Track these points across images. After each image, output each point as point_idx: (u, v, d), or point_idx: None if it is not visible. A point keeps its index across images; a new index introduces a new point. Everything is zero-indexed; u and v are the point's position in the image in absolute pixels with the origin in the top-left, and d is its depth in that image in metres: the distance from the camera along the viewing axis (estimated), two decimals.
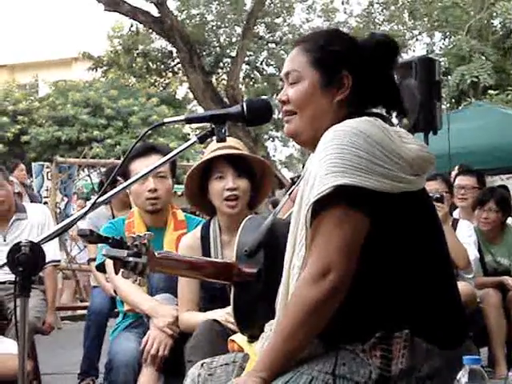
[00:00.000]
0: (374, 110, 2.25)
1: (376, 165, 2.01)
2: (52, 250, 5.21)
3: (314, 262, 2.02)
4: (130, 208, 4.61)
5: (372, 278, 2.06)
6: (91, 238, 2.23)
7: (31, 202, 8.68)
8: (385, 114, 2.27)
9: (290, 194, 2.57)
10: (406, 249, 2.09)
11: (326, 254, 2.00)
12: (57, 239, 5.58)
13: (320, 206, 2.02)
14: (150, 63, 22.26)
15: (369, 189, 1.99)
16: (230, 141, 3.41)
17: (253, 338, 2.46)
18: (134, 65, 22.22)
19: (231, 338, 2.63)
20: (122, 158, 2.49)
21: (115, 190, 2.33)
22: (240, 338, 2.55)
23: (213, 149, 3.46)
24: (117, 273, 2.27)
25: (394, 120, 2.37)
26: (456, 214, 6.29)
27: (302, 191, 2.15)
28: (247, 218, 2.62)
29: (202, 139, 2.31)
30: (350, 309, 2.03)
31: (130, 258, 2.24)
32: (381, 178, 2.00)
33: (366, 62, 2.25)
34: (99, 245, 3.72)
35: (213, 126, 2.28)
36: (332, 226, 2.01)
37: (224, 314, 3.19)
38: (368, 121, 2.09)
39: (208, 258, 3.13)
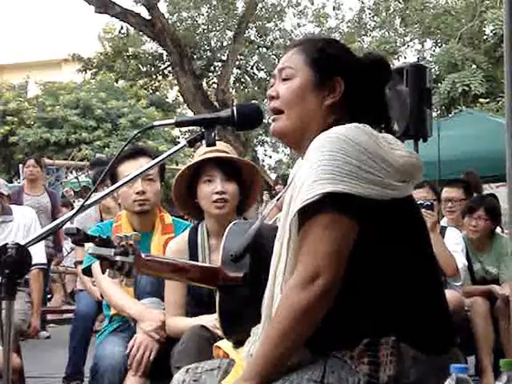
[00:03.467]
0: None
1: (365, 171, 2.00)
2: (38, 253, 5.19)
3: (302, 268, 2.01)
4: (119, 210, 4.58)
5: (359, 284, 2.06)
6: (78, 236, 2.20)
7: None
8: None
9: (277, 200, 2.56)
10: (393, 255, 2.09)
11: (315, 260, 1.99)
12: (43, 242, 5.55)
13: (308, 212, 2.01)
14: (141, 66, 22.26)
15: (357, 195, 1.98)
16: (220, 145, 3.40)
17: (238, 344, 2.44)
18: (124, 67, 22.19)
19: (216, 344, 2.61)
20: (111, 161, 2.47)
21: (104, 193, 2.31)
22: (225, 344, 2.53)
23: (202, 152, 3.45)
24: (103, 272, 2.25)
25: None
26: (444, 222, 6.30)
27: (290, 197, 2.15)
28: (232, 223, 2.61)
29: (192, 143, 2.29)
30: (337, 316, 2.02)
31: (117, 257, 2.22)
32: (369, 184, 2.00)
33: (362, 74, 2.26)
34: (86, 248, 3.70)
35: (202, 129, 2.27)
36: (321, 232, 2.01)
37: (212, 320, 3.17)
38: (357, 127, 2.08)
39: (194, 262, 3.11)
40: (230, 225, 2.59)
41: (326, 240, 2.00)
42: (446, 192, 6.28)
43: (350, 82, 2.24)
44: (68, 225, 2.19)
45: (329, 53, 2.26)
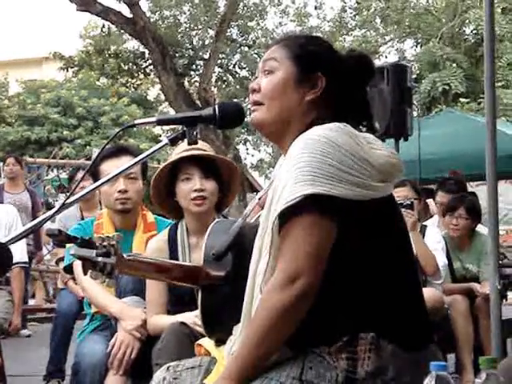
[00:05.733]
0: None
1: (345, 172, 2.01)
2: (19, 251, 5.18)
3: (282, 268, 2.02)
4: (100, 209, 4.58)
5: (338, 282, 2.07)
6: (60, 237, 2.20)
7: None
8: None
9: (259, 199, 2.56)
10: (371, 254, 2.10)
11: (295, 260, 2.00)
12: (24, 240, 5.53)
13: (289, 214, 2.02)
14: (122, 64, 22.19)
15: (337, 196, 2.00)
16: (199, 143, 3.40)
17: (220, 342, 2.44)
18: (105, 65, 22.11)
19: (198, 342, 2.61)
20: (93, 159, 2.48)
21: (85, 191, 2.31)
22: (207, 342, 2.53)
23: (179, 151, 3.45)
24: (85, 273, 2.25)
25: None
26: (431, 222, 6.33)
27: (272, 197, 2.15)
28: (215, 221, 2.62)
29: (174, 141, 2.29)
30: (316, 313, 2.03)
31: (99, 258, 2.21)
32: (349, 185, 2.01)
33: (344, 71, 2.27)
34: (67, 246, 3.69)
35: (184, 128, 2.27)
36: (301, 233, 2.02)
37: (192, 317, 3.17)
38: (337, 127, 2.09)
39: (175, 261, 3.12)
40: (213, 223, 2.59)
41: (306, 241, 2.01)
42: (441, 197, 6.36)
43: (332, 79, 2.25)
44: (49, 225, 2.18)
45: (311, 49, 2.28)
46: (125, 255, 2.33)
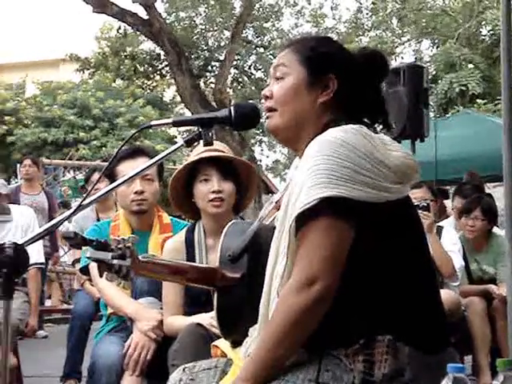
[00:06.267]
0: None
1: (361, 175, 2.01)
2: (36, 252, 5.20)
3: (299, 272, 2.02)
4: (116, 210, 4.58)
5: (355, 284, 2.06)
6: (76, 240, 2.21)
7: None
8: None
9: (276, 202, 2.55)
10: (388, 257, 2.09)
11: (312, 264, 2.00)
12: (41, 241, 5.55)
13: (306, 216, 2.02)
14: (138, 65, 22.24)
15: (354, 199, 1.99)
16: (216, 144, 3.40)
17: (236, 344, 2.44)
18: (121, 67, 22.17)
19: (214, 343, 2.61)
20: (109, 160, 2.48)
21: (102, 192, 2.31)
22: (223, 344, 2.53)
23: (198, 152, 3.45)
24: (101, 275, 2.26)
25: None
26: (447, 223, 6.30)
27: (288, 200, 2.15)
28: (231, 223, 2.61)
29: (189, 142, 2.30)
30: (333, 315, 2.02)
31: (115, 261, 2.22)
32: (366, 187, 2.01)
33: (356, 71, 2.27)
34: (83, 247, 3.70)
35: (200, 129, 2.27)
36: (318, 236, 2.01)
37: (208, 318, 3.17)
38: (353, 129, 2.08)
39: (191, 263, 3.12)
40: (229, 224, 2.58)
41: (323, 244, 2.00)
42: (459, 203, 6.34)
43: (344, 79, 2.24)
44: (66, 228, 2.20)
45: (321, 51, 2.27)
46: (140, 257, 2.33)
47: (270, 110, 2.28)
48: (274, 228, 2.27)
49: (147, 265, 2.38)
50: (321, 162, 2.01)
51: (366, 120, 2.26)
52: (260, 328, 2.20)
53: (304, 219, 2.03)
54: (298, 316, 1.99)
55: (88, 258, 2.26)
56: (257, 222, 2.48)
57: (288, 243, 2.07)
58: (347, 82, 2.25)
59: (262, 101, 2.32)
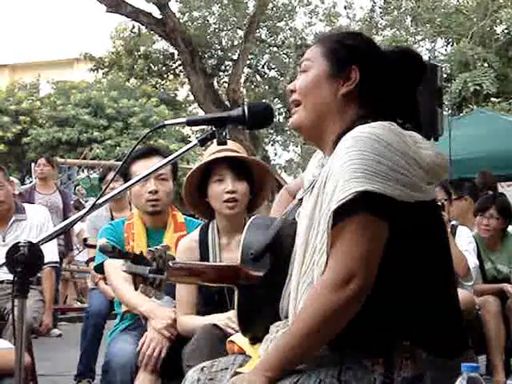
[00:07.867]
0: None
1: (397, 172, 1.98)
2: (50, 251, 5.21)
3: (335, 269, 1.99)
4: (130, 209, 4.58)
5: (383, 286, 2.03)
6: (113, 254, 2.28)
7: None
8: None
9: (299, 200, 2.52)
10: (412, 258, 2.07)
11: (349, 262, 1.97)
12: (55, 240, 5.57)
13: (342, 212, 1.99)
14: (152, 65, 22.27)
15: (389, 196, 1.97)
16: (230, 144, 3.40)
17: (255, 340, 2.43)
18: (135, 66, 22.20)
19: (230, 338, 2.60)
20: (123, 160, 2.49)
21: (117, 191, 2.32)
22: (240, 339, 2.52)
23: (212, 151, 3.45)
24: (136, 288, 2.29)
25: None
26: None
27: (318, 194, 2.13)
28: (253, 217, 2.58)
29: (203, 142, 2.30)
30: (360, 315, 2.01)
31: (151, 275, 2.27)
32: (400, 186, 1.98)
33: (385, 66, 2.24)
34: (98, 246, 3.71)
35: (213, 128, 2.27)
36: (355, 233, 1.99)
37: (224, 319, 3.17)
38: (384, 126, 2.05)
39: (208, 263, 3.12)
40: (251, 219, 2.55)
41: (360, 242, 1.98)
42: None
43: (370, 73, 2.22)
44: (80, 227, 2.24)
45: (346, 43, 2.26)
46: (170, 263, 2.36)
47: (295, 104, 2.28)
48: (295, 223, 2.25)
49: (178, 271, 2.40)
50: (356, 157, 1.98)
51: (396, 120, 2.20)
52: (287, 324, 2.19)
53: (340, 215, 2.00)
54: (330, 314, 1.97)
55: (125, 271, 2.31)
56: (279, 220, 2.44)
57: (328, 240, 2.03)
58: (373, 75, 2.22)
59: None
